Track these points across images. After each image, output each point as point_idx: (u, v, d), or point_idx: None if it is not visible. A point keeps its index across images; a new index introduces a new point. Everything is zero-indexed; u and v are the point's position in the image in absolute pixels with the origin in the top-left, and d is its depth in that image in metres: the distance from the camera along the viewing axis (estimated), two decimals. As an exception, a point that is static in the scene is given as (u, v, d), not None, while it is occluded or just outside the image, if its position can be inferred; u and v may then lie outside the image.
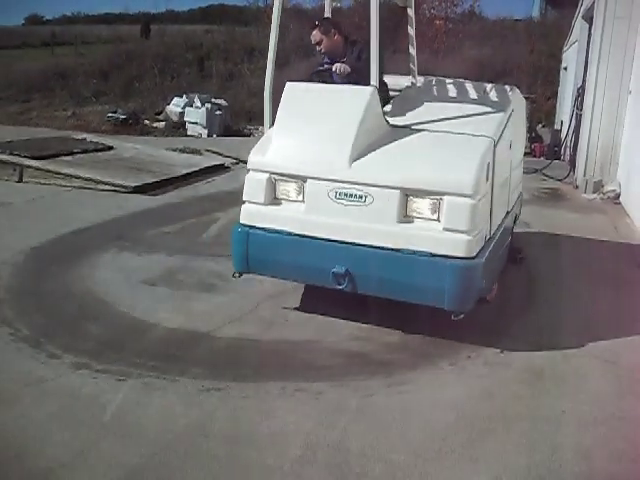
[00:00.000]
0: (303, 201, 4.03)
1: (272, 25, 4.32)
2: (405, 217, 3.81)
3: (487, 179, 3.91)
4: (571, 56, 13.10)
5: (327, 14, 5.09)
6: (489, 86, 5.12)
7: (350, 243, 3.87)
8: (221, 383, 3.52)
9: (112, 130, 15.35)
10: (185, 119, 15.66)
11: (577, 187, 9.54)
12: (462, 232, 3.70)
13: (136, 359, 3.77)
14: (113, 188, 8.15)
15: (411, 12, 5.13)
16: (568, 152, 11.63)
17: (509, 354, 3.96)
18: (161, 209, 7.35)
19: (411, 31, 5.18)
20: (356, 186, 3.85)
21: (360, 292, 3.95)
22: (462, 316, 3.76)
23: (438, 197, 3.73)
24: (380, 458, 2.93)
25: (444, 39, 21.02)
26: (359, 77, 4.24)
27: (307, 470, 2.84)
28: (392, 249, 3.78)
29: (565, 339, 4.25)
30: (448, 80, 5.31)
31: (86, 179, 8.35)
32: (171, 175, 8.97)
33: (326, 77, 4.55)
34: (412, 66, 5.13)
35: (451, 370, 3.77)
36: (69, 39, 25.94)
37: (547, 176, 10.45)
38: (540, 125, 14.44)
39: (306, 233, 3.97)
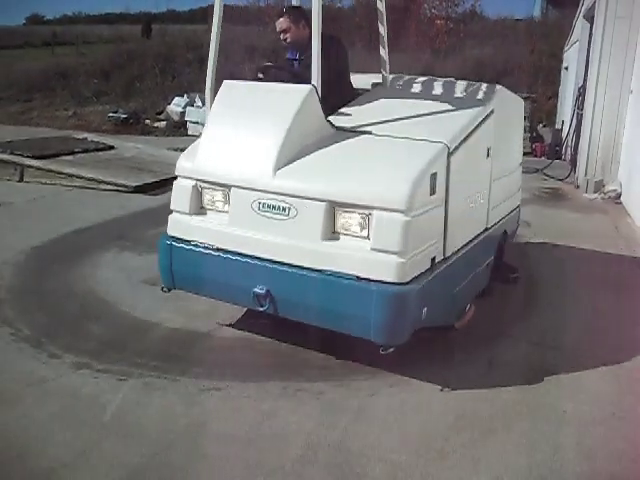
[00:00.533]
0: (228, 212, 3.67)
1: (214, 21, 3.96)
2: (333, 234, 3.36)
3: (433, 192, 3.39)
4: (572, 56, 13.10)
5: (295, 2, 4.63)
6: (469, 85, 4.55)
7: (272, 261, 3.46)
8: (222, 383, 3.53)
9: (113, 130, 15.37)
10: (186, 119, 15.67)
11: (578, 187, 9.54)
12: (392, 253, 3.21)
13: (137, 359, 3.78)
14: (114, 188, 8.16)
15: (381, 5, 4.44)
16: (569, 152, 11.64)
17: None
18: (162, 209, 7.23)
19: (382, 29, 4.52)
20: (279, 197, 3.42)
21: (282, 316, 3.58)
22: (392, 350, 3.31)
23: (367, 212, 3.26)
24: (381, 458, 2.93)
25: (445, 39, 21.05)
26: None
27: (308, 470, 2.84)
28: (315, 270, 3.34)
29: (566, 339, 4.27)
30: (423, 79, 4.81)
31: (87, 179, 8.36)
32: (172, 175, 8.91)
33: (282, 74, 4.06)
34: (383, 72, 4.60)
35: (453, 369, 3.77)
36: (70, 39, 25.93)
37: (548, 176, 10.46)
38: (541, 125, 14.46)
39: (228, 248, 3.60)
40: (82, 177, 8.41)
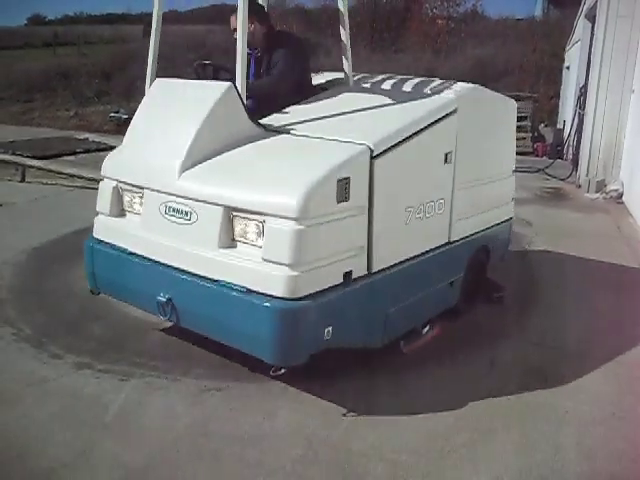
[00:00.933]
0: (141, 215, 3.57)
1: (153, 19, 3.82)
2: (232, 241, 3.15)
3: (344, 199, 3.07)
4: (574, 55, 13.09)
5: None
6: (436, 84, 4.15)
7: (174, 268, 3.29)
8: (223, 383, 3.53)
9: (114, 130, 15.33)
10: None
11: (580, 186, 9.53)
12: (283, 265, 2.92)
13: (138, 359, 3.78)
14: (115, 188, 8.16)
15: (342, 5, 4.11)
16: (571, 151, 11.63)
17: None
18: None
19: (344, 34, 4.21)
20: (182, 200, 3.26)
21: (184, 326, 3.45)
22: (283, 371, 3.12)
23: (262, 218, 3.01)
24: (382, 458, 2.93)
25: (446, 38, 21.02)
26: (270, 74, 3.91)
27: (309, 470, 2.85)
28: (211, 279, 3.15)
29: (566, 339, 4.26)
30: (388, 77, 4.47)
31: (88, 179, 8.36)
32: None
33: (219, 72, 3.84)
34: (346, 79, 4.33)
35: (453, 370, 3.77)
36: (71, 39, 25.91)
37: (549, 175, 10.45)
38: (543, 124, 14.44)
39: (138, 252, 3.48)
40: (83, 177, 8.43)
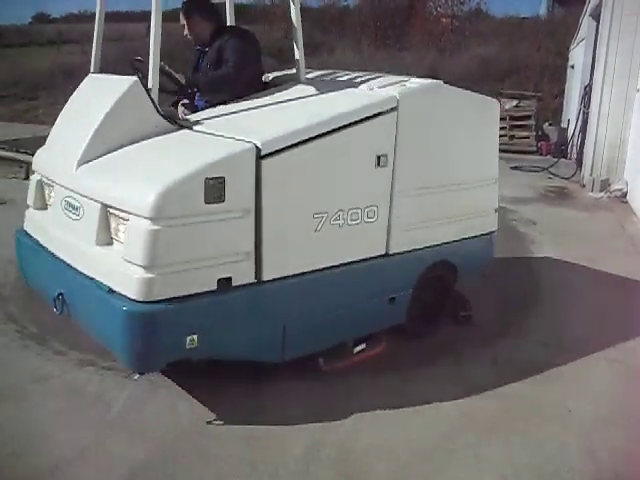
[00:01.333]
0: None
1: (96, 20, 3.89)
2: (110, 239, 3.07)
3: (217, 199, 2.86)
4: (578, 54, 13.06)
5: None
6: (388, 80, 3.76)
7: (65, 263, 3.25)
8: (226, 381, 3.51)
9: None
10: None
11: (584, 186, 9.51)
12: (138, 266, 2.80)
13: (141, 356, 3.78)
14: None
15: (295, 14, 3.74)
16: (575, 150, 11.60)
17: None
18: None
19: (297, 51, 3.82)
20: (75, 195, 3.23)
21: (79, 324, 3.41)
22: (137, 377, 3.11)
23: (127, 217, 2.91)
24: (385, 456, 2.93)
25: (450, 37, 20.97)
26: (222, 67, 3.83)
27: (312, 468, 2.85)
28: (87, 277, 3.07)
29: (569, 338, 4.25)
30: (339, 73, 4.21)
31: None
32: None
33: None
34: (297, 75, 3.96)
35: (455, 369, 3.76)
36: (75, 37, 25.90)
37: (554, 174, 10.43)
38: (547, 123, 14.41)
39: (45, 245, 3.47)
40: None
